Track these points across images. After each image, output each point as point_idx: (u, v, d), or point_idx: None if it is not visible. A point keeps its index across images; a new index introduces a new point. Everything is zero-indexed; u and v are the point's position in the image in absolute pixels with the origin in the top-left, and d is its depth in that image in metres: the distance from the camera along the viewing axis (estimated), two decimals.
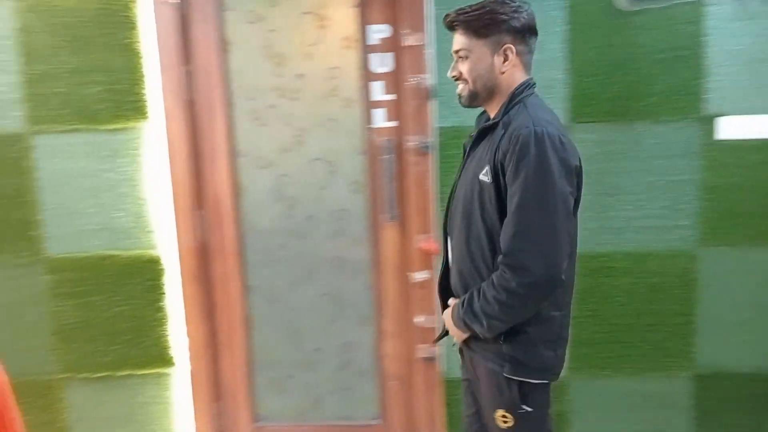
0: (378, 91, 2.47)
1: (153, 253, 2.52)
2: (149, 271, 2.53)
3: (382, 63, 2.45)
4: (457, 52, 1.62)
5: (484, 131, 1.62)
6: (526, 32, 1.58)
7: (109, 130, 2.45)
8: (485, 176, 1.53)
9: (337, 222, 2.57)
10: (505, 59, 1.57)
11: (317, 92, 2.49)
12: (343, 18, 2.44)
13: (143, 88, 2.43)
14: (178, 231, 2.51)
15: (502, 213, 1.50)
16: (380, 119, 2.48)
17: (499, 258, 1.49)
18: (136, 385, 2.59)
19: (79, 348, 2.56)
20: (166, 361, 2.57)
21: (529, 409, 1.57)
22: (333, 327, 2.64)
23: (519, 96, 1.57)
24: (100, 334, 2.55)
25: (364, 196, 2.54)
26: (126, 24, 2.39)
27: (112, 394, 2.59)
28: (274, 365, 2.66)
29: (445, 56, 2.30)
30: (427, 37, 2.36)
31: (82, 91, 2.43)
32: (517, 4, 1.57)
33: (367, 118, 2.50)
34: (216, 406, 2.65)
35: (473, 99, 1.63)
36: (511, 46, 1.56)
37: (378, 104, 2.48)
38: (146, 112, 2.44)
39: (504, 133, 1.52)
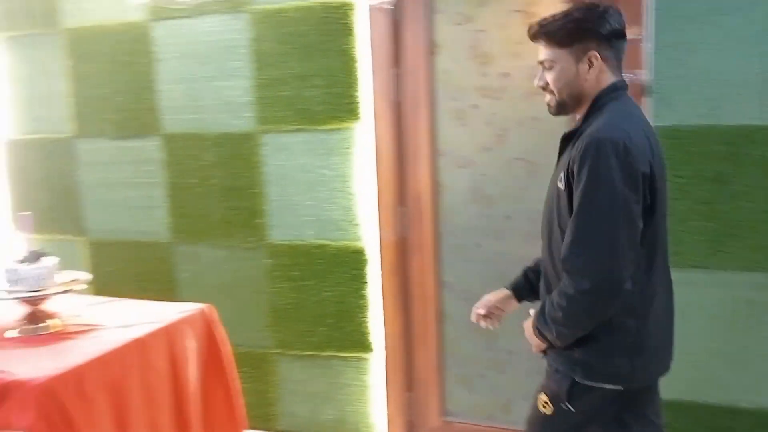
0: None
1: (358, 244, 2.65)
2: (354, 261, 2.67)
3: None
4: (542, 62, 1.58)
5: (567, 140, 1.59)
6: (613, 36, 1.53)
7: (326, 130, 2.63)
8: (560, 183, 1.53)
9: (536, 224, 2.47)
10: (590, 66, 1.52)
11: (521, 91, 2.43)
12: None
13: (357, 91, 2.57)
14: (380, 225, 2.62)
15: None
16: None
17: (561, 266, 1.49)
18: (337, 366, 2.75)
19: (291, 327, 2.78)
20: (366, 346, 2.69)
21: (570, 409, 1.55)
22: None
23: (600, 102, 1.54)
24: (310, 315, 2.75)
25: None
26: (344, 30, 2.54)
27: (316, 372, 2.78)
28: (466, 362, 2.66)
29: (665, 50, 2.11)
30: (645, 30, 2.18)
31: (304, 94, 2.64)
32: (601, 9, 1.52)
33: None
34: (408, 396, 2.71)
35: (561, 108, 1.60)
36: (596, 52, 1.51)
37: None
38: (359, 114, 2.57)
39: (580, 140, 1.49)
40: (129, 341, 1.91)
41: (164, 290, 2.89)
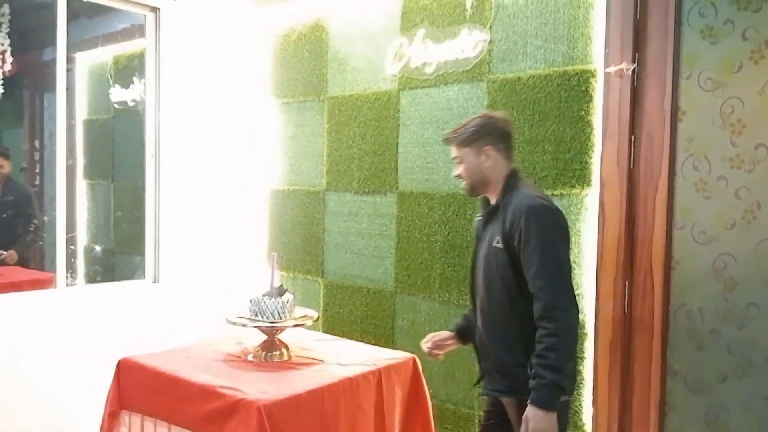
0: None
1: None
2: None
3: None
4: (454, 158, 2.06)
5: (491, 213, 2.02)
6: (502, 135, 2.03)
7: (552, 196, 2.55)
8: (498, 244, 1.94)
9: None
10: (487, 157, 2.00)
11: None
12: None
13: (590, 157, 2.46)
14: (600, 298, 2.42)
15: (513, 269, 1.90)
16: None
17: (540, 312, 1.81)
18: None
19: None
20: (576, 427, 2.48)
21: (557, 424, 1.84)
22: None
23: (512, 182, 2.01)
24: None
25: None
26: (581, 97, 2.47)
27: None
28: None
29: None
30: None
31: (532, 159, 2.61)
32: (490, 117, 2.04)
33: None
34: None
35: (473, 190, 2.06)
36: (490, 147, 2.00)
37: None
38: (590, 180, 2.46)
39: (506, 210, 1.94)
40: (342, 379, 2.02)
41: (382, 335, 3.01)
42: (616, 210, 2.40)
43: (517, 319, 1.89)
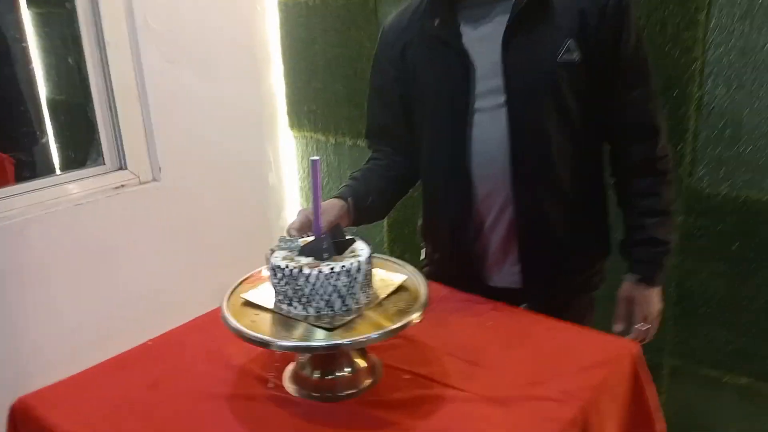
0: None
1: None
2: None
3: None
4: None
5: (524, 17, 1.10)
6: None
7: None
8: (572, 56, 1.10)
9: None
10: None
11: None
12: None
13: None
14: None
15: (590, 91, 1.13)
16: None
17: (653, 148, 1.17)
18: None
19: (707, 329, 1.61)
20: None
21: None
22: None
23: None
24: (747, 317, 1.55)
25: None
26: None
27: (742, 410, 1.54)
28: None
29: None
30: None
31: None
32: None
33: None
34: None
35: None
36: None
37: None
38: None
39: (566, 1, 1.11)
40: None
41: None
42: None
43: (586, 171, 1.20)
